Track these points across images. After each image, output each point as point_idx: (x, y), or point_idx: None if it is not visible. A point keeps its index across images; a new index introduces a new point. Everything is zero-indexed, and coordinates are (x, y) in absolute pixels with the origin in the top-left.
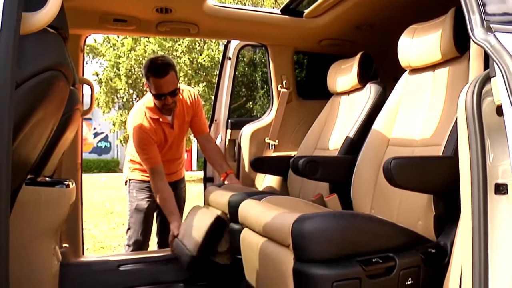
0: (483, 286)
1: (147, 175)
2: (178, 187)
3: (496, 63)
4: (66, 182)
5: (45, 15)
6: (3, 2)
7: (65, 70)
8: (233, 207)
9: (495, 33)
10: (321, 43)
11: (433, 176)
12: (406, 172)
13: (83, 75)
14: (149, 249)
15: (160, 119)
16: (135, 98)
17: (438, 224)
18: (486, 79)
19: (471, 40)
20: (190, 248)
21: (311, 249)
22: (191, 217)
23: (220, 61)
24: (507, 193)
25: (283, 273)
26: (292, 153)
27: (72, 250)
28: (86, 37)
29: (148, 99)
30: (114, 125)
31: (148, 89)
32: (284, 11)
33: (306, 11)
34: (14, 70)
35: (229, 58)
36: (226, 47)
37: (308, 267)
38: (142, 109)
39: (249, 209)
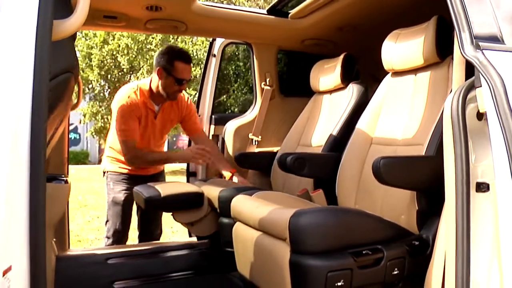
0: (465, 274)
1: (125, 166)
2: (157, 180)
3: (484, 77)
4: (63, 178)
5: (74, 22)
6: (37, 11)
7: (76, 71)
8: (224, 202)
9: (483, 50)
10: (304, 43)
11: (418, 174)
12: (393, 170)
13: None
14: (129, 242)
15: (148, 104)
16: (107, 90)
17: (421, 218)
18: (470, 88)
19: (461, 53)
20: (160, 192)
21: (307, 242)
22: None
23: (194, 55)
24: (487, 191)
25: (279, 265)
26: (275, 149)
27: (60, 244)
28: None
29: (144, 83)
30: (84, 116)
31: (160, 75)
32: (271, 11)
33: (292, 12)
34: (48, 73)
35: (214, 55)
36: (211, 44)
37: (304, 259)
38: (135, 87)
39: (242, 204)
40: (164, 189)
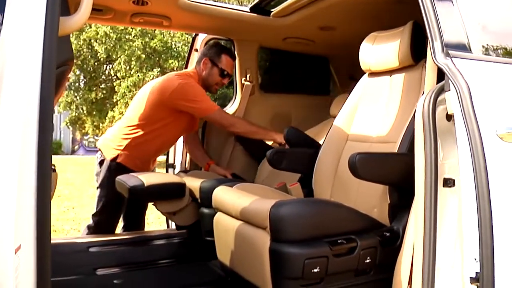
0: (431, 262)
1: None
2: None
3: (452, 83)
4: (52, 167)
5: (79, 20)
6: (45, 9)
7: (71, 64)
8: (205, 192)
9: (452, 58)
10: (285, 41)
11: (390, 170)
12: (368, 166)
13: None
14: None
15: None
16: (82, 80)
17: (392, 211)
18: (440, 91)
19: (433, 60)
20: (144, 181)
21: (286, 231)
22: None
23: (172, 46)
24: (453, 186)
25: (259, 252)
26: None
27: None
28: None
29: (193, 72)
30: (59, 105)
31: (204, 65)
32: (253, 9)
33: (274, 10)
34: (55, 66)
35: (196, 50)
36: (193, 39)
37: (283, 247)
38: (190, 73)
39: (223, 195)
40: (147, 179)
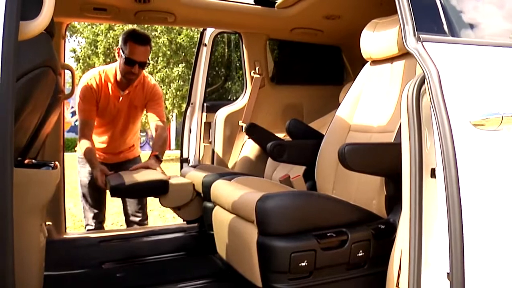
0: (417, 255)
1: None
2: (127, 167)
3: (422, 68)
4: (52, 164)
5: (40, 24)
6: (3, 13)
7: (53, 64)
8: (206, 187)
9: (423, 42)
10: (293, 32)
11: (382, 160)
12: (357, 156)
13: (64, 60)
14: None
15: (113, 87)
16: None
17: (389, 203)
18: (424, 78)
19: (403, 45)
20: (126, 180)
21: (272, 224)
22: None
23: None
24: None
25: (248, 246)
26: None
27: (55, 227)
28: (67, 25)
29: (111, 67)
30: None
31: (118, 54)
32: (258, 1)
33: (278, 1)
34: (14, 70)
35: (205, 45)
36: (202, 34)
37: (269, 240)
38: (101, 70)
39: (220, 189)
40: (129, 177)
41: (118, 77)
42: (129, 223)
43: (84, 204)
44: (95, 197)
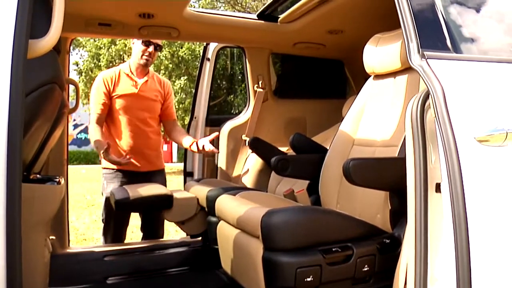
0: (423, 270)
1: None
2: (155, 178)
3: (427, 85)
4: (57, 179)
5: (48, 42)
6: (13, 32)
7: (59, 81)
8: (211, 201)
9: (428, 59)
10: (295, 46)
11: (386, 175)
12: (362, 171)
13: (68, 74)
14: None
15: (129, 74)
16: None
17: (394, 217)
18: (429, 93)
19: (408, 63)
20: (131, 195)
21: (278, 239)
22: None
23: (200, 53)
24: None
25: (253, 261)
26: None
27: (59, 241)
28: (72, 40)
29: (124, 64)
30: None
31: (133, 43)
32: (260, 16)
33: (281, 16)
34: (23, 88)
35: (208, 59)
36: (205, 48)
37: (275, 256)
38: (115, 68)
39: (225, 204)
40: (134, 192)
41: (133, 68)
42: (148, 238)
43: (105, 223)
44: (119, 216)
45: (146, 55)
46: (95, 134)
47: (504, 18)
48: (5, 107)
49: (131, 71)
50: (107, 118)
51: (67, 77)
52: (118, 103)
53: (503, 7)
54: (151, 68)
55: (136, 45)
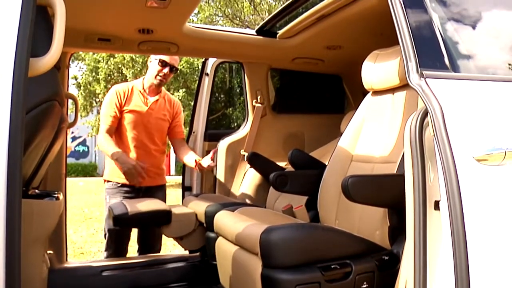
0: (422, 282)
1: (122, 176)
2: (156, 193)
3: (426, 105)
4: (55, 195)
5: (49, 60)
6: (14, 51)
7: (59, 97)
8: (209, 217)
9: (426, 79)
10: (294, 61)
11: (385, 191)
12: (361, 188)
13: (67, 89)
14: (129, 255)
15: (141, 91)
16: None
17: (393, 234)
18: (427, 111)
19: (407, 82)
20: (129, 210)
21: (277, 256)
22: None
23: (198, 66)
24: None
25: (252, 278)
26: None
27: (57, 256)
28: (71, 54)
29: (138, 80)
30: (92, 129)
31: (150, 63)
32: (259, 32)
33: (280, 32)
34: (24, 106)
35: (207, 74)
36: (204, 63)
37: (274, 273)
38: (129, 83)
39: (223, 220)
40: (133, 207)
41: (146, 86)
42: (144, 252)
43: (108, 238)
44: (120, 233)
45: (160, 75)
46: (108, 145)
47: (500, 34)
48: (5, 125)
49: (143, 88)
50: (115, 131)
51: (66, 92)
52: (127, 118)
53: (499, 23)
54: (163, 88)
55: (153, 64)
